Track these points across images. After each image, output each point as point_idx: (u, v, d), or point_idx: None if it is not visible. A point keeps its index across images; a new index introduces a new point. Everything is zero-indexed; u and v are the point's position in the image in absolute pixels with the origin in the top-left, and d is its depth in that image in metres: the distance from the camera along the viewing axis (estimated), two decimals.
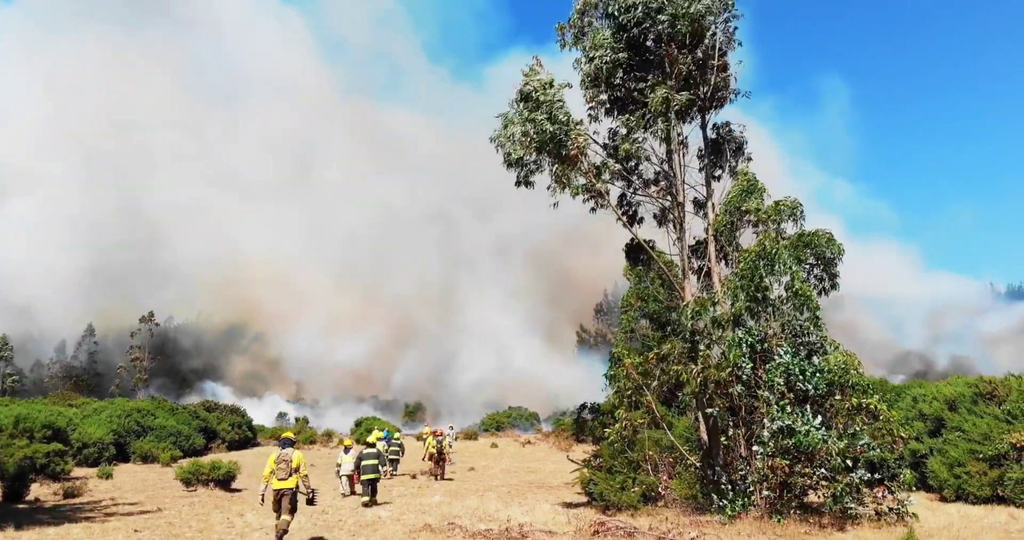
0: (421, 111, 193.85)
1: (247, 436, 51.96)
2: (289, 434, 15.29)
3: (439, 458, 28.63)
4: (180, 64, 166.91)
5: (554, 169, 18.25)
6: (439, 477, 28.64)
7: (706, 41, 18.13)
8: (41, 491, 22.39)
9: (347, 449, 24.66)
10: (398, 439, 33.05)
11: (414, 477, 29.74)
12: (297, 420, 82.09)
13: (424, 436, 38.02)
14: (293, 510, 14.00)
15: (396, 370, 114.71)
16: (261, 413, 76.56)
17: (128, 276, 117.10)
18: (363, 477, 20.87)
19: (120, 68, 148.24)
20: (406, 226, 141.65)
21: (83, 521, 17.15)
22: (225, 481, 24.11)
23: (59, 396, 60.99)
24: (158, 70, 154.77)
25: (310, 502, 15.29)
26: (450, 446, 30.46)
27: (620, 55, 17.98)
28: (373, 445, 22.21)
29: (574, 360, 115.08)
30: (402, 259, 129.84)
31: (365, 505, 19.94)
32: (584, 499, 19.84)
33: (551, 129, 17.34)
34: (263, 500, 14.41)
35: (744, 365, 15.76)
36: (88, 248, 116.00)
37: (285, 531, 13.74)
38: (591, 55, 18.18)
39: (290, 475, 13.84)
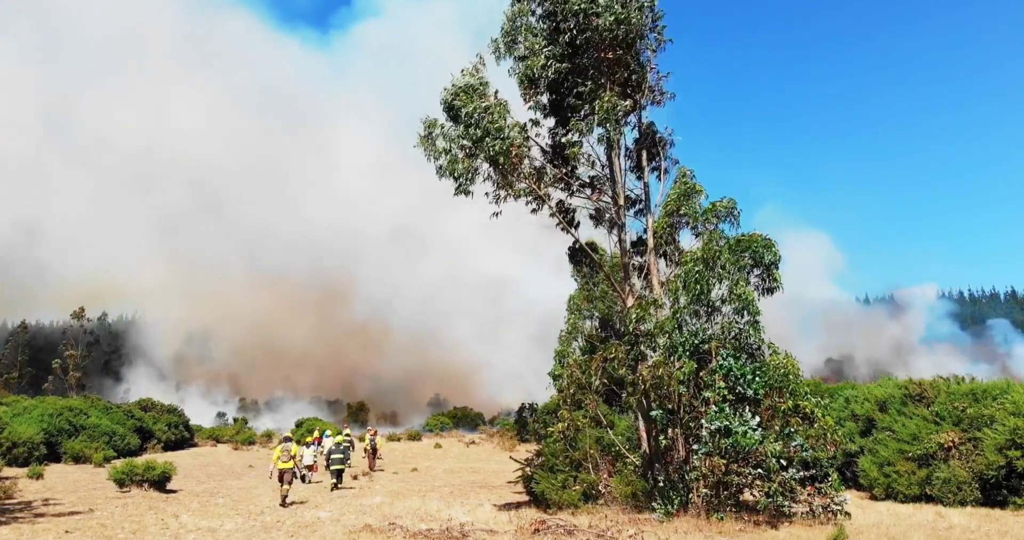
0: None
1: (184, 436, 50.82)
2: (289, 434, 23.95)
3: (373, 453, 34.36)
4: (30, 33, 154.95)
5: (495, 176, 18.04)
6: (372, 468, 33.53)
7: (640, 44, 18.16)
8: None
9: (307, 445, 29.65)
10: (348, 437, 37.26)
11: (355, 478, 29.53)
12: (236, 420, 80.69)
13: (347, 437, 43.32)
14: (291, 482, 20.83)
15: (340, 370, 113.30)
16: (198, 414, 75.08)
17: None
18: (332, 468, 25.99)
19: None
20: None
21: (12, 522, 16.65)
22: (160, 482, 23.53)
23: None
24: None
25: (302, 480, 21.51)
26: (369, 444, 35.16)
27: (556, 64, 17.93)
28: (339, 443, 27.13)
29: (520, 359, 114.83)
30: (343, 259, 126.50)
31: (332, 489, 25.20)
32: (526, 498, 19.93)
33: (493, 145, 17.07)
34: (271, 476, 21.43)
35: (687, 367, 15.96)
36: None
37: (286, 496, 20.51)
38: (525, 63, 18.09)
39: (289, 460, 20.83)
